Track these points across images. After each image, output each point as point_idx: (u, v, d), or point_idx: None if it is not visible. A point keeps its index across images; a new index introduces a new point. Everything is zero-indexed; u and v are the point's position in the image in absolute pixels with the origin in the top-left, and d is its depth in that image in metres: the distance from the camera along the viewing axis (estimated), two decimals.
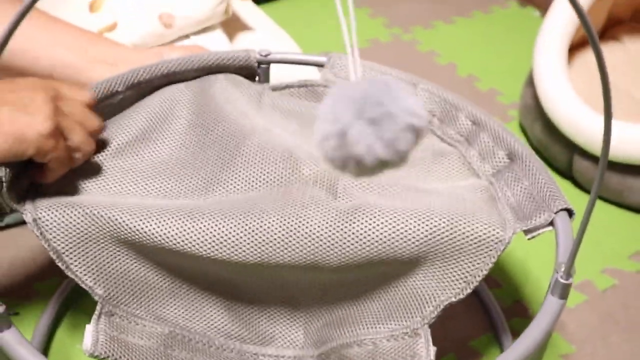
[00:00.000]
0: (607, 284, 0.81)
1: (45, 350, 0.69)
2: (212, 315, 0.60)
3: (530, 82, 1.02)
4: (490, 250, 0.52)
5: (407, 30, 1.29)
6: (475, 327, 0.74)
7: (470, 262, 0.52)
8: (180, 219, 0.54)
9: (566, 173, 0.95)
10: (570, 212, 0.54)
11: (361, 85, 0.37)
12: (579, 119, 0.89)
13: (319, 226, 0.53)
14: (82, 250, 0.55)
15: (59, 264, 0.55)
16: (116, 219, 0.54)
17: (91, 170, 0.60)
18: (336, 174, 0.59)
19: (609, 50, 1.09)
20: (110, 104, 0.65)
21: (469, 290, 0.53)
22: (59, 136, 0.53)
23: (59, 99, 0.55)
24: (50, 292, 0.74)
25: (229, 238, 0.53)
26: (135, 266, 0.57)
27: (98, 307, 0.56)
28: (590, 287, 0.80)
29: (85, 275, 0.56)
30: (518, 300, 0.78)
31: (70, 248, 0.55)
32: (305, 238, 0.53)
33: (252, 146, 0.62)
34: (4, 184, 0.54)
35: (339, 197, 0.56)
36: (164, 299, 0.58)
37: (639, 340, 0.74)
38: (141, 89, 0.67)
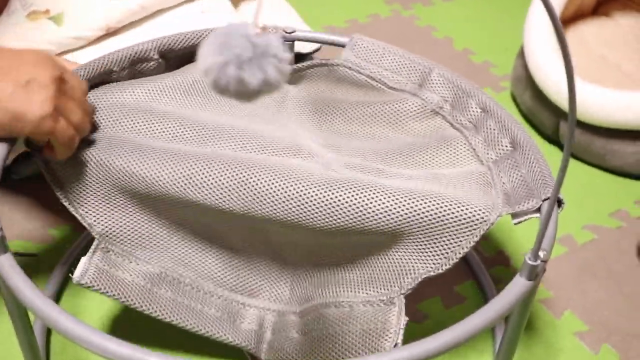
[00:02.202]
0: (586, 238, 0.85)
1: (60, 290, 0.75)
2: (204, 263, 0.64)
3: (522, 54, 1.06)
4: (474, 229, 0.53)
5: (407, 7, 1.34)
6: (460, 275, 0.79)
7: (452, 240, 0.54)
8: (175, 161, 0.58)
9: (553, 138, 1.00)
10: (559, 202, 0.55)
11: (235, 32, 0.41)
12: (565, 86, 0.94)
13: (305, 189, 0.56)
14: (84, 191, 0.60)
15: (64, 201, 0.60)
16: (115, 163, 0.58)
17: (107, 106, 0.63)
18: (330, 157, 0.62)
19: (600, 25, 1.13)
20: (144, 68, 0.69)
21: (448, 266, 0.54)
22: (58, 117, 0.53)
23: (63, 80, 0.55)
24: (63, 237, 0.80)
25: (218, 185, 0.57)
26: (132, 210, 0.61)
27: (95, 243, 0.60)
28: (570, 240, 0.85)
29: (86, 213, 0.60)
30: (501, 250, 0.83)
31: (74, 189, 0.60)
32: (292, 198, 0.56)
33: (263, 118, 0.67)
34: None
35: (332, 170, 0.59)
36: (159, 243, 0.62)
37: (612, 288, 0.79)
38: (172, 58, 0.70)
